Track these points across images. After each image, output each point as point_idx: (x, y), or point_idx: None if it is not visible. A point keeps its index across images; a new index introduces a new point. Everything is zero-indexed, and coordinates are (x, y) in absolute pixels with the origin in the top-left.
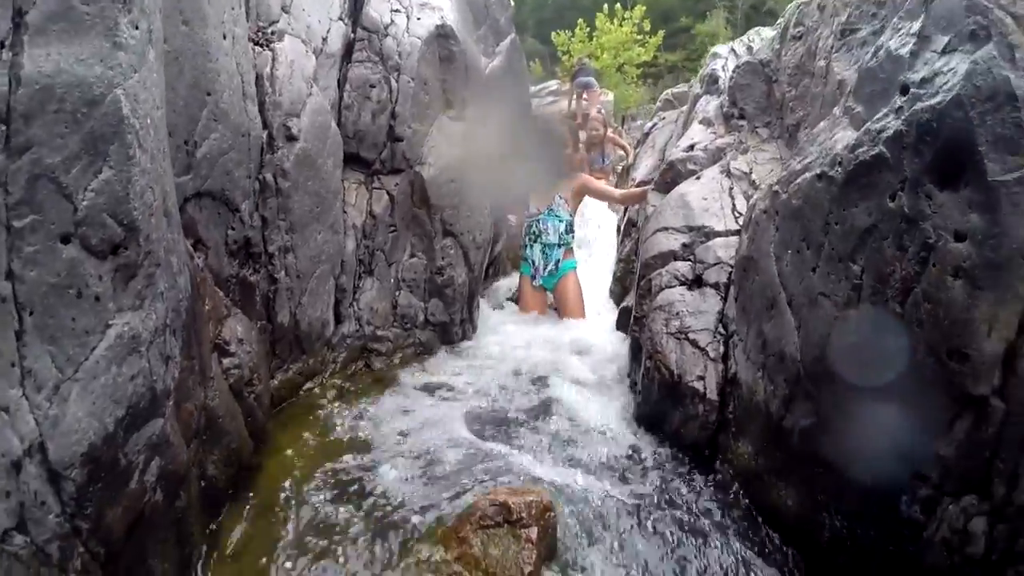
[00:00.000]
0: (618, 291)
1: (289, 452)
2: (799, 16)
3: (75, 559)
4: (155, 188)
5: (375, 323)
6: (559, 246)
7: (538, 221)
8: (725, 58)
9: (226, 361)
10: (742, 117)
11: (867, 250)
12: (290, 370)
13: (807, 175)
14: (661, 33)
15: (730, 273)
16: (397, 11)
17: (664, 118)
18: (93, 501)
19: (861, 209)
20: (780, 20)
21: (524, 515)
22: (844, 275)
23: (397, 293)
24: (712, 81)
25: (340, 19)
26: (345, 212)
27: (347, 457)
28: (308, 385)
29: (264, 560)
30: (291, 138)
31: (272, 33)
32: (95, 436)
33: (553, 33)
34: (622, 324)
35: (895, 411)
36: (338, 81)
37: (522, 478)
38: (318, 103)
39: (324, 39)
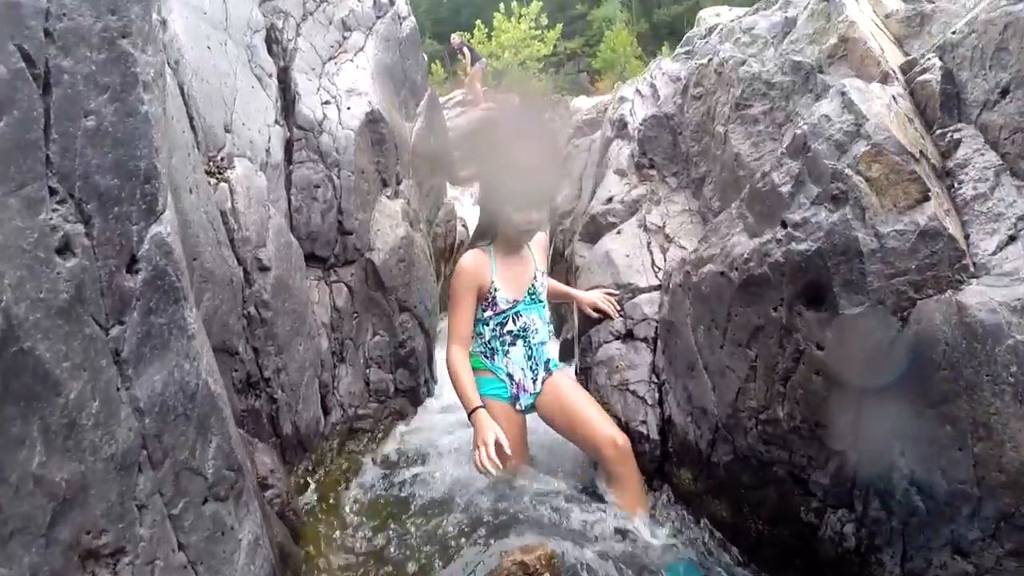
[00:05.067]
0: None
1: (322, 546)
2: (699, 77)
3: None
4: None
5: (355, 404)
6: (547, 340)
7: (517, 313)
8: (631, 100)
9: (268, 493)
10: (652, 167)
11: (759, 342)
12: (299, 470)
13: (712, 267)
14: (560, 26)
15: (656, 327)
16: (328, 103)
17: (577, 146)
18: None
19: (753, 310)
20: (680, 80)
21: (538, 566)
22: (743, 357)
23: (367, 371)
24: (621, 126)
25: (276, 123)
26: (313, 313)
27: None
28: (316, 477)
29: None
30: (264, 268)
31: (222, 159)
32: None
33: (452, 36)
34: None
35: (789, 455)
36: (284, 184)
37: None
38: (278, 223)
39: (267, 150)
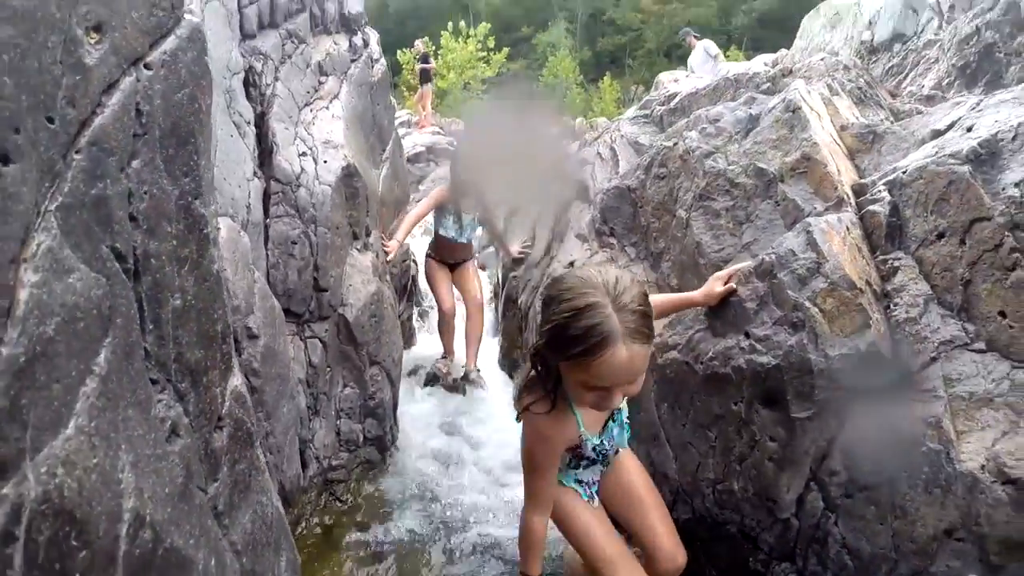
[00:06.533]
0: (507, 364)
1: None
2: (663, 158)
3: None
4: None
5: (329, 456)
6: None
7: (601, 442)
8: (592, 163)
9: None
10: (612, 235)
11: (718, 427)
12: None
13: (677, 355)
14: (506, 50)
15: None
16: (304, 154)
17: None
18: None
19: (715, 400)
20: (640, 146)
21: None
22: (704, 437)
23: (338, 422)
24: (582, 188)
25: (255, 176)
26: (291, 370)
27: None
28: (298, 531)
29: None
30: (252, 336)
31: None
32: None
33: (399, 52)
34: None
35: (741, 518)
36: (263, 240)
37: None
38: (262, 287)
39: (247, 206)
